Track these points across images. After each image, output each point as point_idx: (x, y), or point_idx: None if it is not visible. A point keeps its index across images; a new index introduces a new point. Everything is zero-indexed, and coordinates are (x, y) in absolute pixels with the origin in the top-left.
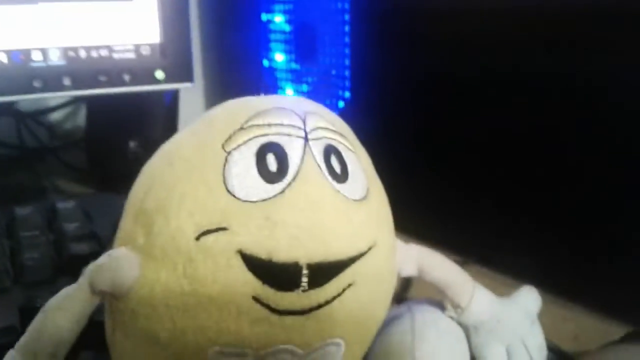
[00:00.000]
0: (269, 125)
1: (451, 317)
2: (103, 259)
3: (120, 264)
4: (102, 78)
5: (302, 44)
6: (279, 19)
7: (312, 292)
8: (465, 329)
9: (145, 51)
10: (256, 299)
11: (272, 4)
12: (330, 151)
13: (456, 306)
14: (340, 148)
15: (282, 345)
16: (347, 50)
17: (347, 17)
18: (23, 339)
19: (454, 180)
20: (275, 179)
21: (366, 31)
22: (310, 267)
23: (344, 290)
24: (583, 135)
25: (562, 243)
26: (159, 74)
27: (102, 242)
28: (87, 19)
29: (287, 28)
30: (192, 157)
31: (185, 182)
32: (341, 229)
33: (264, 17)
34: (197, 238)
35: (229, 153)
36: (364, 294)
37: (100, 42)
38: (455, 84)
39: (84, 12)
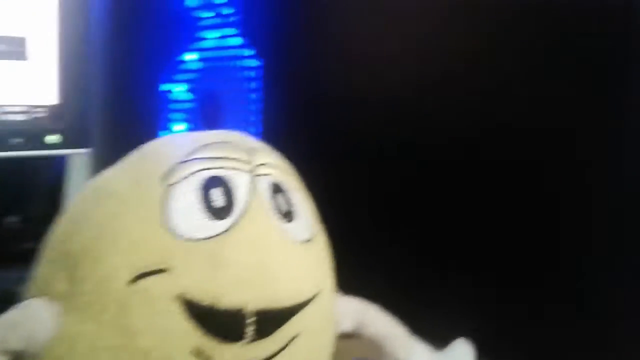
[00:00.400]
0: (213, 158)
1: None
2: (14, 312)
3: (34, 316)
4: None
5: (205, 113)
6: (179, 88)
7: (256, 343)
8: None
9: (40, 113)
10: (198, 352)
11: (173, 74)
12: (276, 189)
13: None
14: (286, 187)
15: None
16: (256, 119)
17: (254, 84)
18: None
19: (368, 239)
20: (221, 216)
21: (274, 98)
22: (256, 314)
23: (289, 342)
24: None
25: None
26: (54, 138)
27: None
28: None
29: (188, 97)
30: (125, 193)
31: (118, 219)
32: (289, 272)
33: (165, 86)
34: (132, 281)
35: (169, 187)
36: (309, 347)
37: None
38: (373, 150)
39: None
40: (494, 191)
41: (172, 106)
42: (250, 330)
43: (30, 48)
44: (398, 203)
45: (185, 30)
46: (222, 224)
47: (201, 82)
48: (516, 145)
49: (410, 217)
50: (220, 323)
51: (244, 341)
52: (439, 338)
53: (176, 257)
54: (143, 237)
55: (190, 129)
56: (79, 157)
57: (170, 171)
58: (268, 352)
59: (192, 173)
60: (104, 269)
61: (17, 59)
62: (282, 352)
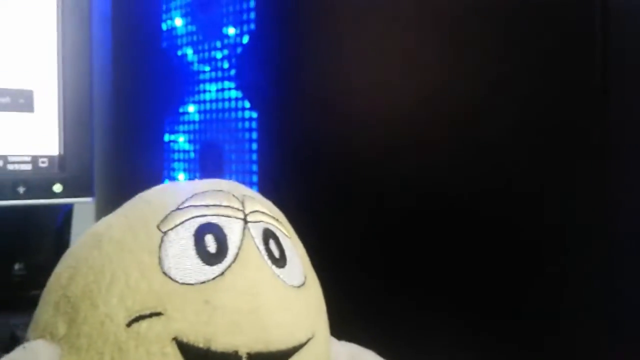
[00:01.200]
0: (207, 206)
1: None
2: (17, 352)
3: (36, 357)
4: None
5: (204, 163)
6: (182, 139)
7: None
8: None
9: (43, 163)
10: None
11: (174, 125)
12: (268, 235)
13: None
14: (278, 233)
15: None
16: (254, 167)
17: (254, 135)
18: None
19: (360, 286)
20: (215, 261)
21: (272, 149)
22: (250, 356)
23: None
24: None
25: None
26: (57, 187)
27: None
28: None
29: (189, 147)
30: (123, 238)
31: (116, 264)
32: (281, 316)
33: (167, 137)
34: (129, 324)
35: (165, 233)
36: None
37: (4, 154)
38: (365, 200)
39: None
40: (491, 237)
41: (173, 156)
42: None
43: (37, 100)
44: (393, 250)
45: (186, 83)
46: (215, 269)
47: (201, 133)
48: (512, 192)
49: (405, 264)
50: None
51: None
52: None
53: (171, 301)
54: (139, 282)
55: (190, 179)
56: (82, 206)
57: (166, 218)
58: None
59: (187, 220)
60: (102, 312)
61: (25, 111)
62: None
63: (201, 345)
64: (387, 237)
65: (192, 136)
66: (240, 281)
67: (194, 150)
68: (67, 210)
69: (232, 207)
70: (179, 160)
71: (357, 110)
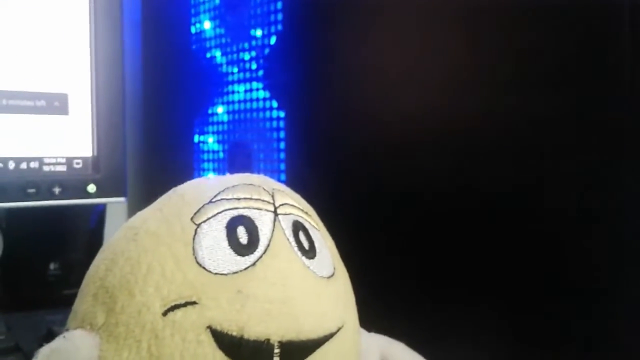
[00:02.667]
0: (239, 199)
1: None
2: (57, 341)
3: (76, 346)
4: (31, 190)
5: (233, 162)
6: (211, 139)
7: None
8: None
9: (78, 164)
10: None
11: (203, 126)
12: (298, 227)
13: None
14: (307, 225)
15: None
16: (282, 166)
17: (282, 134)
18: None
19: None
20: (246, 252)
21: (300, 148)
22: (282, 345)
23: None
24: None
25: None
26: (91, 188)
27: (27, 355)
28: (18, 131)
29: (218, 147)
30: (159, 230)
31: (152, 255)
32: (312, 306)
33: (196, 138)
34: (165, 313)
35: (198, 226)
36: None
37: (30, 154)
38: (392, 197)
39: (15, 124)
40: (513, 231)
41: (203, 156)
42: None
43: (71, 103)
44: (419, 245)
45: (214, 85)
46: (247, 260)
47: (229, 133)
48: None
49: (434, 256)
50: (247, 353)
51: None
52: None
53: (205, 290)
54: (174, 272)
55: None
56: (115, 206)
57: (199, 211)
58: None
59: (219, 212)
60: (139, 302)
61: (60, 114)
62: None
63: (234, 333)
64: (413, 233)
65: (221, 136)
66: (272, 271)
67: (223, 150)
68: (100, 210)
69: (263, 200)
70: (208, 160)
71: (385, 108)
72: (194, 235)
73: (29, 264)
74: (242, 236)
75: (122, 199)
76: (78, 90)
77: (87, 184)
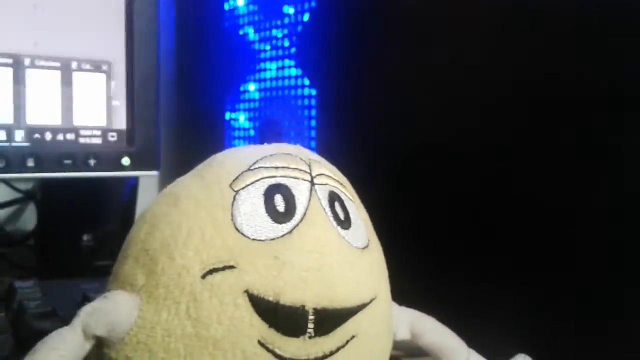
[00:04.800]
0: (276, 168)
1: None
2: (99, 301)
3: (117, 305)
4: (67, 161)
5: (264, 139)
6: (242, 117)
7: (317, 340)
8: None
9: (113, 137)
10: (262, 344)
11: (235, 103)
12: (334, 198)
13: None
14: (343, 197)
15: None
16: (313, 144)
17: (313, 112)
18: None
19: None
20: (283, 220)
21: (331, 126)
22: (316, 312)
23: (347, 342)
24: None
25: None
26: (125, 161)
27: (64, 320)
28: (55, 101)
29: (249, 125)
30: (199, 196)
31: (192, 220)
32: (347, 276)
33: (228, 115)
34: (204, 277)
35: (237, 192)
36: (365, 349)
37: (67, 126)
38: (424, 172)
39: (51, 94)
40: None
41: (234, 133)
42: (310, 327)
43: (108, 77)
44: (450, 221)
45: (247, 62)
46: (284, 227)
47: (261, 110)
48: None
49: (465, 231)
50: (282, 318)
51: (304, 337)
52: (497, 353)
53: (243, 255)
54: (214, 237)
55: None
56: (148, 179)
57: (238, 178)
58: (327, 349)
59: (257, 180)
60: (179, 265)
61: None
62: (340, 352)
63: (271, 298)
64: (446, 206)
65: (252, 114)
66: (308, 240)
67: (254, 128)
68: (133, 183)
69: (300, 170)
70: (239, 137)
71: (418, 87)
72: (233, 202)
73: (63, 235)
74: (280, 204)
75: (155, 172)
76: (114, 65)
77: (122, 157)
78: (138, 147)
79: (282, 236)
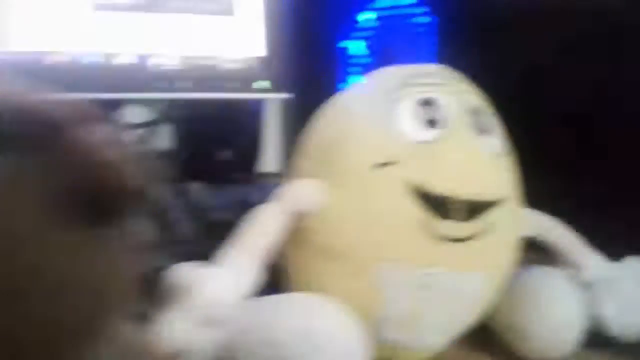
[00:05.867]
0: (428, 84)
1: (570, 277)
2: (292, 185)
3: (306, 189)
4: (215, 84)
5: (380, 67)
6: (357, 45)
7: (463, 224)
8: (582, 287)
9: (252, 62)
10: (420, 223)
11: (352, 32)
12: (475, 109)
13: (574, 266)
14: (482, 109)
15: (438, 268)
16: None
17: (432, 38)
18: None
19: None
20: (434, 126)
21: (452, 51)
22: (463, 201)
23: (487, 229)
24: None
25: None
26: (263, 84)
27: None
28: (200, 31)
29: (365, 53)
30: (364, 106)
31: (362, 124)
32: (489, 174)
33: (342, 44)
34: (372, 169)
35: (394, 103)
36: (500, 236)
37: (212, 54)
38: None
39: (197, 26)
40: None
41: (351, 61)
42: (458, 213)
43: (240, 9)
44: (577, 125)
45: None
46: (435, 132)
47: (377, 39)
48: None
49: (589, 137)
50: (437, 205)
51: (453, 220)
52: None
53: (404, 153)
54: (380, 139)
55: None
56: (275, 102)
57: (398, 91)
58: (469, 232)
59: (414, 93)
60: (352, 160)
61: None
62: (481, 235)
63: (427, 189)
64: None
65: (368, 42)
66: (455, 142)
67: (370, 56)
68: (261, 105)
69: (447, 85)
70: (355, 64)
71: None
72: (394, 110)
73: (202, 151)
74: (431, 113)
75: (289, 95)
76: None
77: (262, 80)
78: (273, 72)
79: (434, 139)
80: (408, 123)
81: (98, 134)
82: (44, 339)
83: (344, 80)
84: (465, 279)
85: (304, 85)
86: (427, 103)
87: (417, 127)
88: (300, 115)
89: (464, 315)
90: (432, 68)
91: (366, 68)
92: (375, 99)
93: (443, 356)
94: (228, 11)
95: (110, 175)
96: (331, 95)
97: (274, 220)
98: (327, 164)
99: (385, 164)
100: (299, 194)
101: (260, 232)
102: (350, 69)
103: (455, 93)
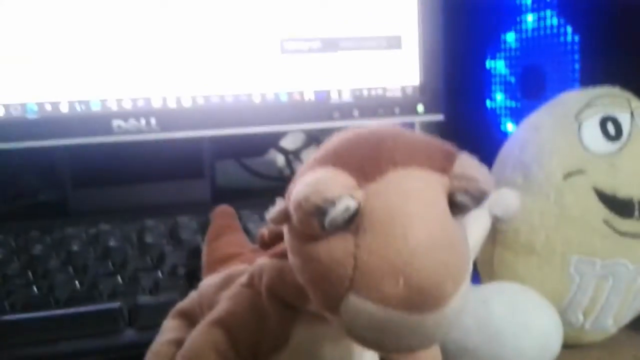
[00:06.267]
0: (606, 104)
1: None
2: (495, 193)
3: (508, 197)
4: (380, 110)
5: (524, 85)
6: (500, 64)
7: None
8: None
9: (409, 91)
10: (605, 222)
11: (496, 52)
12: None
13: None
14: None
15: (619, 259)
16: (577, 86)
17: (576, 56)
18: None
19: None
20: (614, 139)
21: (595, 68)
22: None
23: None
24: None
25: None
26: (420, 108)
27: None
28: (369, 67)
29: (508, 72)
30: (553, 126)
31: (552, 141)
32: None
33: (488, 64)
34: (564, 178)
35: (580, 122)
36: None
37: (378, 85)
38: None
39: (368, 61)
40: None
41: (494, 79)
42: (636, 213)
43: (404, 43)
44: None
45: (506, 14)
46: (615, 145)
47: (520, 58)
48: None
49: None
50: (618, 205)
51: (632, 219)
52: None
53: (589, 164)
54: (568, 152)
55: (508, 99)
56: (427, 124)
57: (580, 111)
58: None
59: (594, 113)
60: (547, 171)
61: (395, 48)
62: None
63: (609, 193)
64: None
65: (511, 62)
66: (634, 152)
67: (513, 74)
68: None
69: (622, 105)
70: (499, 83)
71: None
72: (578, 128)
73: None
74: (611, 129)
75: (440, 116)
76: (408, 32)
77: (417, 104)
78: (428, 97)
79: (615, 151)
80: (591, 138)
81: None
82: None
83: (489, 99)
84: None
85: (453, 106)
86: (608, 121)
87: (600, 141)
88: (448, 134)
89: (636, 302)
90: (609, 90)
91: (511, 87)
92: (564, 120)
93: (615, 338)
94: (397, 45)
95: None
96: (479, 113)
97: (482, 221)
98: (527, 174)
99: (574, 174)
100: (501, 201)
101: (470, 231)
102: (494, 88)
103: (631, 110)
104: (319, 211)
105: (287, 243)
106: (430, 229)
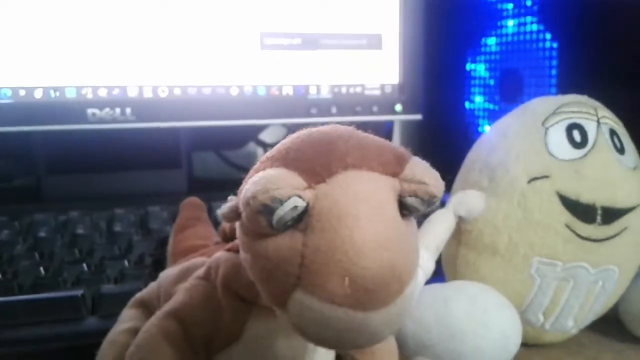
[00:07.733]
0: (573, 112)
1: None
2: (460, 194)
3: (471, 197)
4: (358, 108)
5: (502, 88)
6: (479, 67)
7: (602, 227)
8: None
9: (388, 90)
10: (567, 226)
11: (475, 55)
12: (613, 132)
13: None
14: (619, 132)
15: (580, 262)
16: (553, 91)
17: (554, 62)
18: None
19: None
20: (579, 147)
21: (572, 75)
22: (602, 209)
23: (621, 231)
24: None
25: None
26: (398, 107)
27: None
28: (349, 64)
29: (487, 75)
30: (521, 131)
31: (518, 147)
32: (624, 185)
33: (468, 66)
34: (529, 182)
35: (547, 128)
36: (633, 238)
37: (357, 82)
38: None
39: (346, 59)
40: None
41: (474, 82)
42: (598, 219)
43: (385, 41)
44: None
45: (487, 19)
46: (580, 152)
47: (500, 62)
48: None
49: None
50: (581, 211)
51: (594, 224)
52: None
53: (553, 169)
54: (534, 157)
55: (487, 101)
56: (406, 123)
57: (547, 119)
58: (608, 234)
59: (561, 120)
60: (512, 175)
61: (376, 48)
62: (617, 237)
63: (573, 198)
64: None
65: (490, 65)
66: (596, 161)
67: (492, 77)
68: (389, 125)
69: (589, 113)
70: (478, 85)
71: None
72: (545, 134)
73: None
74: (577, 136)
75: (419, 116)
76: (389, 31)
77: (395, 104)
78: (406, 96)
79: (579, 157)
80: (557, 145)
81: None
82: None
83: (468, 101)
84: (602, 273)
85: (432, 107)
86: (574, 128)
87: (565, 148)
88: (427, 134)
89: (597, 304)
90: (577, 98)
91: (490, 90)
92: (531, 127)
93: (576, 339)
94: (377, 45)
95: None
96: (457, 114)
97: (446, 221)
98: (493, 178)
99: (539, 178)
100: (466, 202)
101: (435, 230)
102: (473, 90)
103: (600, 119)
104: (266, 210)
105: (238, 239)
106: (377, 230)
